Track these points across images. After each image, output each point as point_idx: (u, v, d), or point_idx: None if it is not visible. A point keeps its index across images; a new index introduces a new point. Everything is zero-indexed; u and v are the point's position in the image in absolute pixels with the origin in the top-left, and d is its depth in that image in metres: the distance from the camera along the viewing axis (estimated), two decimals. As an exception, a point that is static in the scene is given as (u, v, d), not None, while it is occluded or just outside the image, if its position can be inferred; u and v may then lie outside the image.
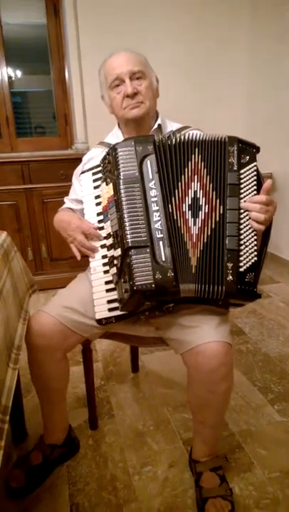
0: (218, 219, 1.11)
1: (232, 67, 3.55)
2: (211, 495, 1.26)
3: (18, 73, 3.49)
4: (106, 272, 1.23)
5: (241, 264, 1.09)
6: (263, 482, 1.36)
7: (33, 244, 3.10)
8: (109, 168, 1.19)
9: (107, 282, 1.22)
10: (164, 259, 1.06)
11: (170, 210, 1.10)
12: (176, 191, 1.12)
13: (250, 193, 1.13)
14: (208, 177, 1.13)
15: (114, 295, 1.19)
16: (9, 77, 3.30)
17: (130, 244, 1.07)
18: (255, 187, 1.13)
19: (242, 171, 1.13)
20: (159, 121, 1.38)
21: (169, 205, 1.11)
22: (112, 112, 1.39)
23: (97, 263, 1.26)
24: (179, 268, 1.08)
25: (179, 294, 1.08)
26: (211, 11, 3.36)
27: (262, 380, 1.91)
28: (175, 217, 1.11)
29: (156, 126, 1.37)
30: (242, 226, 1.11)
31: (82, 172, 1.35)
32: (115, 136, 1.43)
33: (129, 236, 1.07)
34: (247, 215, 1.11)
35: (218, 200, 1.12)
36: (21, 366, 1.22)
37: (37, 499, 1.33)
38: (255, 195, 1.13)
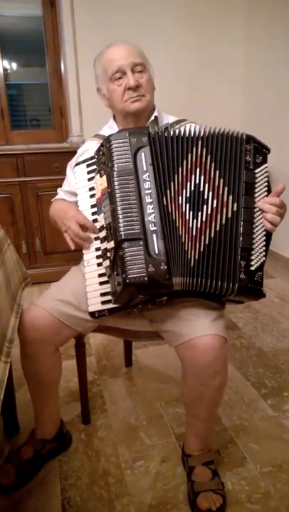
0: (230, 215, 1.10)
1: (227, 66, 3.55)
2: (202, 489, 1.26)
3: (14, 65, 3.46)
4: (99, 264, 1.21)
5: (252, 263, 1.10)
6: (255, 477, 1.36)
7: (27, 238, 3.08)
8: (103, 160, 1.17)
9: (100, 275, 1.21)
10: (157, 252, 1.05)
11: (164, 203, 1.09)
12: (172, 184, 1.11)
13: (262, 194, 1.14)
14: (217, 172, 1.12)
15: (107, 288, 1.18)
16: (4, 70, 3.27)
17: (123, 237, 1.06)
18: (266, 188, 1.15)
19: (257, 171, 1.14)
20: (155, 114, 1.36)
21: (164, 198, 1.09)
22: (110, 105, 1.36)
23: (90, 255, 1.24)
24: (173, 261, 1.07)
25: (172, 287, 1.07)
26: (207, 6, 3.35)
27: (255, 374, 1.91)
28: (170, 210, 1.09)
29: (152, 118, 1.36)
30: (254, 225, 1.12)
31: (77, 164, 1.33)
32: (110, 128, 1.41)
33: (122, 228, 1.06)
34: (260, 214, 1.12)
35: (230, 197, 1.11)
36: (14, 360, 1.22)
37: (28, 493, 1.33)
38: (266, 196, 1.14)
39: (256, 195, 1.13)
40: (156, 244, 1.06)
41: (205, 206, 1.11)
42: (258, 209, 1.13)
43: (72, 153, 1.54)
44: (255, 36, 3.41)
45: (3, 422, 1.58)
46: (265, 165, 1.16)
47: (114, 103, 1.33)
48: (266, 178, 1.15)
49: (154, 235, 1.07)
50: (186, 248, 1.09)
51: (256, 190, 1.13)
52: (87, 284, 1.22)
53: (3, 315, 1.14)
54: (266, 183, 1.15)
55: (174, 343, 1.22)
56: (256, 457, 1.44)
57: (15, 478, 1.34)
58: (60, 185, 1.52)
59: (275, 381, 1.85)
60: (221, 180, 1.12)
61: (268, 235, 1.16)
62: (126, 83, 1.27)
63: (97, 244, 1.24)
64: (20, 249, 3.04)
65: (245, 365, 1.99)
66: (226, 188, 1.11)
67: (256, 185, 1.13)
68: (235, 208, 1.11)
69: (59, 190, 1.52)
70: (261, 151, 1.17)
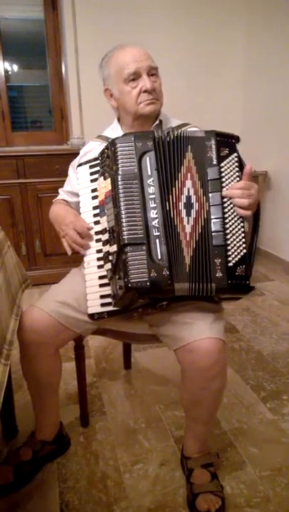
0: (205, 216, 1.11)
1: (228, 67, 3.57)
2: (201, 490, 1.26)
3: (15, 67, 3.47)
4: (100, 266, 1.21)
5: (230, 258, 1.08)
6: (254, 481, 1.36)
7: (26, 239, 3.08)
8: (107, 163, 1.17)
9: (100, 277, 1.21)
10: (159, 257, 1.06)
11: (167, 208, 1.10)
12: (174, 189, 1.11)
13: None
14: (197, 174, 1.13)
15: (107, 290, 1.18)
16: (6, 71, 3.28)
17: (126, 241, 1.06)
18: (238, 178, 1.13)
19: (222, 164, 1.13)
20: (160, 117, 1.37)
21: (167, 203, 1.10)
22: (119, 105, 1.36)
23: (91, 257, 1.25)
24: (174, 266, 1.07)
25: (174, 293, 1.08)
26: (208, 8, 3.37)
27: (254, 378, 1.91)
28: (172, 216, 1.10)
29: (157, 122, 1.36)
30: (227, 220, 1.10)
31: (80, 164, 1.33)
32: (114, 130, 1.41)
33: (125, 233, 1.07)
34: (231, 208, 1.11)
35: (204, 197, 1.12)
36: (13, 362, 1.21)
37: (27, 496, 1.32)
38: None
39: (225, 189, 1.12)
40: (159, 250, 1.06)
41: (192, 210, 1.11)
42: (228, 203, 1.11)
43: (73, 155, 1.54)
44: (256, 37, 3.43)
45: (1, 424, 1.58)
46: (234, 155, 1.14)
47: (127, 104, 1.32)
48: (237, 168, 1.13)
49: (157, 240, 1.07)
50: (184, 253, 1.10)
51: (224, 184, 1.12)
52: (87, 286, 1.22)
53: (2, 317, 1.13)
54: (237, 174, 1.13)
55: (173, 347, 1.22)
56: (255, 461, 1.43)
57: (13, 479, 1.34)
58: (61, 187, 1.52)
59: (274, 384, 1.85)
60: (199, 183, 1.12)
61: (255, 223, 1.15)
62: (142, 85, 1.27)
63: (98, 246, 1.24)
64: (20, 251, 3.04)
65: (244, 368, 1.99)
66: (202, 190, 1.12)
67: (223, 179, 1.12)
68: (207, 208, 1.11)
69: (60, 190, 1.52)
70: (226, 143, 1.14)
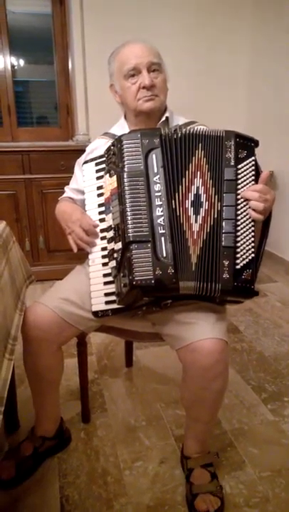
0: (216, 216, 1.10)
1: (233, 66, 3.56)
2: (201, 491, 1.26)
3: (21, 62, 3.46)
4: (105, 264, 1.22)
5: (238, 261, 1.08)
6: (254, 481, 1.36)
7: (30, 235, 3.09)
8: (113, 160, 1.17)
9: (105, 275, 1.21)
10: (164, 255, 1.05)
11: (173, 206, 1.09)
12: (180, 187, 1.11)
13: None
14: (208, 173, 1.12)
15: (111, 288, 1.18)
16: (12, 66, 3.27)
17: (131, 239, 1.06)
18: (253, 182, 1.12)
19: (239, 166, 1.11)
20: (166, 114, 1.36)
21: (173, 201, 1.09)
22: (122, 101, 1.36)
23: (96, 255, 1.25)
24: (180, 265, 1.07)
25: (178, 291, 1.07)
26: (213, 14, 3.37)
27: (256, 379, 1.91)
28: (178, 214, 1.09)
29: (163, 118, 1.35)
30: (239, 223, 1.09)
31: (85, 162, 1.33)
32: (121, 127, 1.41)
33: (130, 230, 1.06)
34: (245, 210, 1.10)
35: (216, 197, 1.10)
36: (15, 357, 1.21)
37: (27, 490, 1.33)
38: None
39: (240, 191, 1.11)
40: (165, 248, 1.06)
41: (201, 209, 1.11)
42: (242, 205, 1.10)
43: (78, 151, 1.54)
44: (260, 44, 3.43)
45: (3, 418, 1.58)
46: (251, 158, 1.13)
47: (127, 100, 1.32)
48: (253, 172, 1.12)
49: (163, 238, 1.06)
50: (190, 252, 1.09)
51: (240, 187, 1.11)
52: (92, 284, 1.23)
53: (8, 313, 1.14)
54: (253, 177, 1.12)
55: (175, 347, 1.22)
56: (255, 461, 1.44)
57: (14, 474, 1.35)
58: (65, 184, 1.52)
59: (276, 386, 1.85)
60: (211, 182, 1.11)
61: (264, 229, 1.15)
62: (141, 82, 1.27)
63: (103, 243, 1.24)
64: (24, 246, 3.05)
65: (245, 369, 1.99)
66: (214, 189, 1.11)
67: (239, 182, 1.11)
68: (219, 208, 1.10)
69: (66, 188, 1.52)
70: (245, 145, 1.13)
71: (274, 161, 3.29)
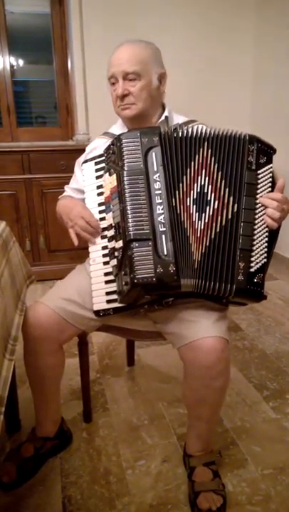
0: (230, 217, 1.10)
1: (235, 64, 3.55)
2: (203, 489, 1.26)
3: (21, 62, 3.46)
4: (106, 263, 1.21)
5: (252, 264, 1.08)
6: (256, 479, 1.36)
7: (31, 235, 3.08)
8: (113, 159, 1.17)
9: (106, 274, 1.21)
10: (166, 252, 1.05)
11: (174, 204, 1.09)
12: (181, 185, 1.11)
13: (265, 194, 1.13)
14: (219, 173, 1.12)
15: (113, 287, 1.18)
16: (11, 66, 3.27)
17: (132, 237, 1.06)
18: (269, 189, 1.13)
19: (259, 172, 1.13)
20: (166, 113, 1.36)
21: (173, 199, 1.09)
22: None
23: (96, 254, 1.24)
24: (181, 262, 1.07)
25: (180, 289, 1.07)
26: (216, 4, 3.35)
27: (258, 376, 1.90)
28: (178, 211, 1.09)
29: (162, 118, 1.35)
30: (256, 227, 1.10)
31: (85, 161, 1.33)
32: (120, 127, 1.41)
33: (131, 228, 1.06)
34: (261, 216, 1.11)
35: (231, 198, 1.10)
36: (16, 357, 1.21)
37: (29, 491, 1.33)
38: None
39: (258, 196, 1.12)
40: (165, 245, 1.06)
41: (208, 207, 1.11)
42: (259, 210, 1.11)
43: (78, 151, 1.53)
44: (263, 42, 3.42)
45: (4, 419, 1.58)
46: (270, 165, 1.15)
47: (113, 105, 1.34)
48: (270, 179, 1.14)
49: (164, 236, 1.06)
50: (192, 250, 1.09)
51: (258, 191, 1.12)
52: (93, 283, 1.22)
53: (8, 313, 1.14)
54: (270, 184, 1.14)
55: (176, 345, 1.22)
56: (257, 459, 1.43)
57: (15, 476, 1.34)
58: (66, 183, 1.52)
59: (278, 383, 1.85)
60: (223, 182, 1.11)
61: (273, 237, 1.15)
62: (116, 90, 1.28)
63: (103, 242, 1.23)
64: (24, 246, 3.05)
65: (247, 366, 1.99)
66: (227, 190, 1.11)
67: (259, 186, 1.12)
68: (235, 209, 1.10)
69: (66, 187, 1.52)
70: (265, 152, 1.15)
71: (275, 158, 3.28)
